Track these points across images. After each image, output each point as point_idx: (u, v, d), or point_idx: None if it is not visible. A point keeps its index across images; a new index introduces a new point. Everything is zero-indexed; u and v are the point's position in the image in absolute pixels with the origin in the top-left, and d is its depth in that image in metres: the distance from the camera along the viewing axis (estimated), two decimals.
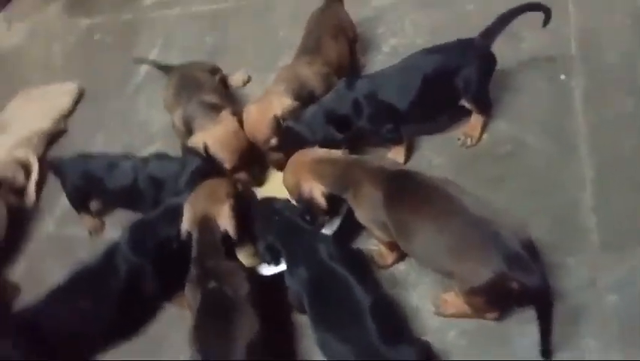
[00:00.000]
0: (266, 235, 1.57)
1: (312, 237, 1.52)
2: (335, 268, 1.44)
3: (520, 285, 1.25)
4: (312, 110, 1.84)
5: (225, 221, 1.54)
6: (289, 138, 1.84)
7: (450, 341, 1.50)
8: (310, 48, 2.06)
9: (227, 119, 1.92)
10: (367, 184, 1.49)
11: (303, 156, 1.66)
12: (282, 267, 1.59)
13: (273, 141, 1.87)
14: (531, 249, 1.29)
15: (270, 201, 1.67)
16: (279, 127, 1.85)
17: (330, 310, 1.40)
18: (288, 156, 1.73)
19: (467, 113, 1.92)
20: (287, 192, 1.69)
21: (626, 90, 1.91)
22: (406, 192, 1.43)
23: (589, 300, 1.47)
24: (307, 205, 1.58)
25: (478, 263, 1.27)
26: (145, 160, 1.94)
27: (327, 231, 1.67)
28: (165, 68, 2.44)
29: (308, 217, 1.58)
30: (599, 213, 1.63)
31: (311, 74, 1.97)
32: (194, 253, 1.53)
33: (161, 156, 1.97)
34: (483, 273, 1.27)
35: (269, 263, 1.62)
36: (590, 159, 1.77)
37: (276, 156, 1.91)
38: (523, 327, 1.44)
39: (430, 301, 1.57)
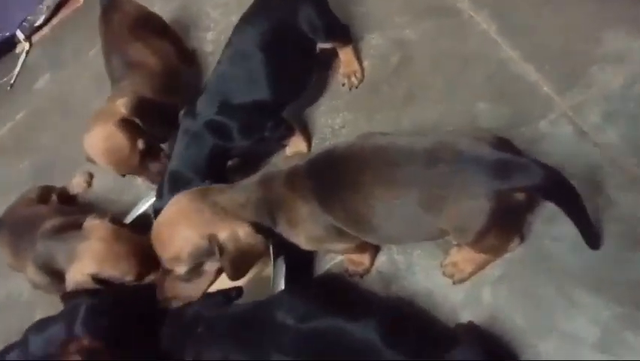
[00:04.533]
0: (204, 354, 1.09)
1: (260, 313, 1.08)
2: (313, 326, 1.03)
3: (525, 190, 0.93)
4: (172, 165, 1.46)
5: None
6: None
7: (488, 302, 1.16)
8: (121, 68, 1.65)
9: (95, 226, 1.44)
10: (297, 198, 1.07)
11: (192, 201, 1.12)
12: None
13: (140, 145, 1.52)
14: (503, 144, 0.96)
15: (178, 314, 1.18)
16: (136, 126, 1.51)
17: None
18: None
19: (334, 55, 1.58)
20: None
21: None
22: (335, 177, 1.05)
23: (586, 149, 1.21)
24: (233, 260, 1.11)
25: (466, 200, 0.93)
26: (24, 342, 1.44)
27: (280, 284, 1.25)
28: None
29: (234, 294, 1.14)
30: (530, 58, 1.37)
31: (144, 90, 1.59)
32: None
33: (39, 326, 1.46)
34: (478, 207, 0.93)
35: None
36: (480, 13, 1.51)
37: (157, 166, 1.58)
38: (551, 231, 1.15)
39: (440, 273, 1.21)
